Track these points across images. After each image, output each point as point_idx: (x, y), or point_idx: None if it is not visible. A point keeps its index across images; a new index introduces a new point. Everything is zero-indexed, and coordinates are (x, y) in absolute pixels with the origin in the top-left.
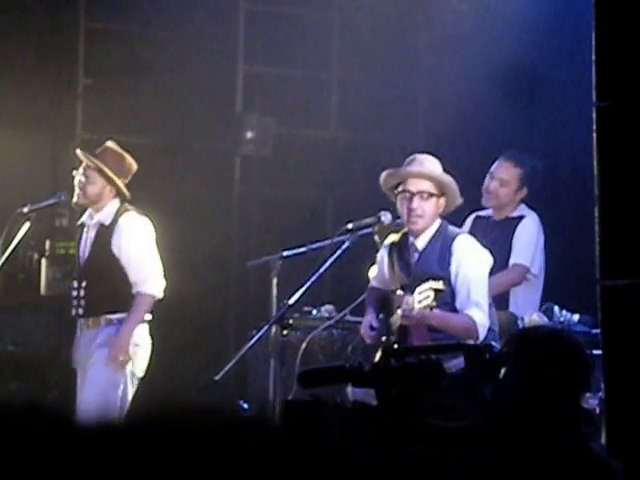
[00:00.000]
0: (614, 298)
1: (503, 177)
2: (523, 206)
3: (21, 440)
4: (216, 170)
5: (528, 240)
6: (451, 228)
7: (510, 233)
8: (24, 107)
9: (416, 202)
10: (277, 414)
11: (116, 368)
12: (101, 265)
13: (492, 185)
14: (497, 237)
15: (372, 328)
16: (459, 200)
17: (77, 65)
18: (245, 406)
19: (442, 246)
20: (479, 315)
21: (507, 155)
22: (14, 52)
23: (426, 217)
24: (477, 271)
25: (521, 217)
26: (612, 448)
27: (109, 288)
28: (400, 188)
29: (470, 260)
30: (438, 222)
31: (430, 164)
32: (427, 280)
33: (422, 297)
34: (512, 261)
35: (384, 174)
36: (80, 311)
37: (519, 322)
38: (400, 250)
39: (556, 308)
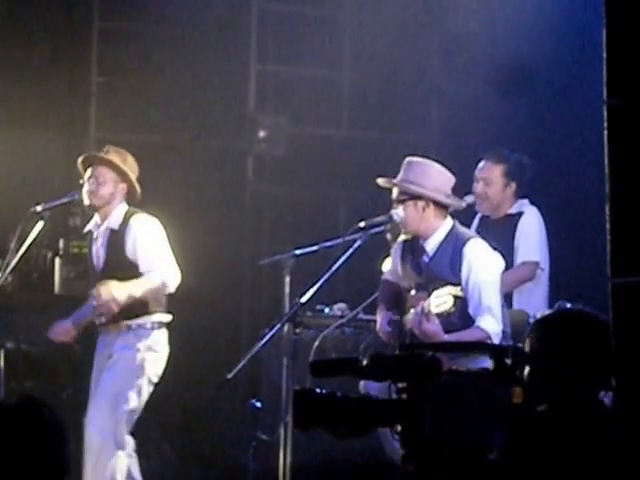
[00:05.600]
0: (625, 295)
1: (486, 176)
2: (522, 201)
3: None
4: (229, 169)
5: (532, 236)
6: (462, 231)
7: (512, 231)
8: (38, 106)
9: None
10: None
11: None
12: (118, 272)
13: (479, 187)
14: (499, 236)
15: (389, 324)
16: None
17: (91, 64)
18: (258, 404)
19: (453, 250)
20: (491, 323)
21: (488, 155)
22: (28, 51)
23: (407, 222)
24: (488, 275)
25: (520, 213)
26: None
27: None
28: None
29: (481, 265)
30: (449, 224)
31: (405, 171)
32: (442, 285)
33: (440, 302)
34: (520, 259)
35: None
36: (103, 319)
37: (530, 320)
38: (412, 250)
39: (568, 306)
